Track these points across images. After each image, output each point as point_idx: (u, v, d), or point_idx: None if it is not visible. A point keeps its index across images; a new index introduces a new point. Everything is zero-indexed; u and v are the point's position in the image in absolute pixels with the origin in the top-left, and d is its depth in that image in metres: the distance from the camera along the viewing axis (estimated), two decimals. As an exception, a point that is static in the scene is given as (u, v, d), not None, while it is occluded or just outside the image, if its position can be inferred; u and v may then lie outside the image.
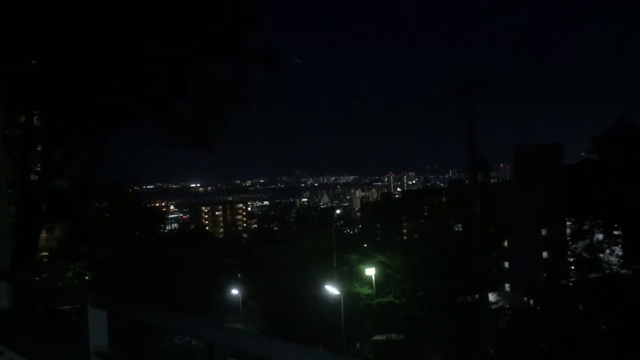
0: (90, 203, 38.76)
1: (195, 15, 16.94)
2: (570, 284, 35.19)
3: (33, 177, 19.02)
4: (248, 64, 18.65)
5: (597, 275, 32.91)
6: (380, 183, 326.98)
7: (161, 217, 72.20)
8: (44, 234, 32.08)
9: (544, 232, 59.02)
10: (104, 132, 19.42)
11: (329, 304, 32.52)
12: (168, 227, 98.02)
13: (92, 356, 3.19)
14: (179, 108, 19.53)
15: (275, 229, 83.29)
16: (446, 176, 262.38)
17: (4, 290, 4.57)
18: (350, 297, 32.38)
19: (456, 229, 50.63)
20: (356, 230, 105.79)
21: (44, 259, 37.32)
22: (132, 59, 16.86)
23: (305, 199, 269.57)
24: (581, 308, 31.89)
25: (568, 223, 44.81)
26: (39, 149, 19.78)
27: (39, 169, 19.20)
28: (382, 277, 33.46)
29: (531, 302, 38.94)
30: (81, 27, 15.86)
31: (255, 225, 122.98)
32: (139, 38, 16.58)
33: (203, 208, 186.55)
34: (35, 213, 18.57)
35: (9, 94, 16.83)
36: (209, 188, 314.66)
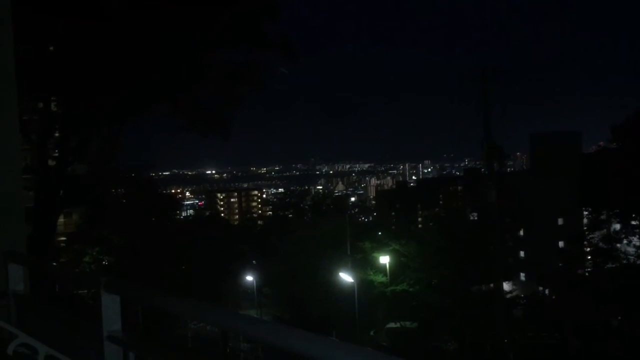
0: (108, 188, 39.10)
1: (212, 2, 16.91)
2: (587, 274, 34.91)
3: (51, 162, 19.20)
4: (264, 50, 18.64)
5: (613, 266, 32.62)
6: (395, 171, 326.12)
7: (177, 203, 72.71)
8: (61, 219, 32.47)
9: (560, 221, 58.51)
10: (122, 118, 19.54)
11: (343, 292, 32.59)
12: (184, 214, 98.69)
13: (105, 340, 3.21)
14: (195, 94, 19.59)
15: (290, 216, 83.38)
16: (462, 164, 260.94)
17: (20, 274, 4.62)
18: (364, 284, 32.41)
19: (471, 217, 50.46)
20: (371, 218, 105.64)
21: (62, 244, 37.78)
22: (150, 45, 16.89)
23: (320, 187, 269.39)
24: (597, 298, 31.65)
25: (585, 213, 44.40)
26: (57, 134, 19.96)
27: (57, 154, 19.38)
28: (396, 265, 33.42)
29: (546, 291, 38.74)
30: (98, 13, 15.89)
31: (270, 212, 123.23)
32: (156, 24, 16.59)
33: (218, 195, 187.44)
34: (53, 198, 18.77)
35: (27, 79, 16.96)
36: (224, 175, 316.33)
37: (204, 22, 16.92)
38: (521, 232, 52.48)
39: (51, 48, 18.09)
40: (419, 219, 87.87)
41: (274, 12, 18.08)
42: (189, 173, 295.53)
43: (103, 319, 3.25)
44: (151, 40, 16.77)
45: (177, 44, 17.04)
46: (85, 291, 23.52)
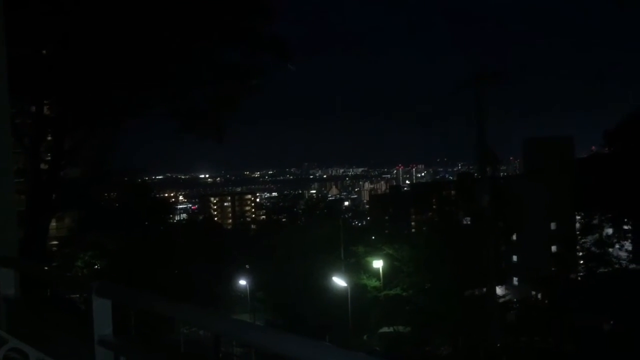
0: (101, 192, 38.97)
1: (208, 3, 16.91)
2: (579, 278, 35.06)
3: (44, 166, 19.12)
4: (261, 53, 18.65)
5: (606, 270, 32.78)
6: (389, 175, 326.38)
7: (170, 207, 72.48)
8: (54, 223, 32.31)
9: (553, 225, 58.69)
10: (116, 121, 19.49)
11: (337, 296, 32.56)
12: (177, 218, 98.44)
13: (96, 345, 3.19)
14: (191, 97, 19.56)
15: (283, 220, 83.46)
16: (455, 169, 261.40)
17: (11, 278, 4.58)
18: (357, 289, 32.40)
19: (465, 222, 50.48)
20: (364, 223, 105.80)
21: (54, 248, 37.61)
22: (145, 47, 16.86)
23: (314, 191, 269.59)
24: (590, 302, 31.78)
25: (578, 217, 44.60)
26: (50, 138, 19.88)
27: (50, 158, 19.31)
28: (389, 269, 33.45)
29: (539, 295, 38.84)
30: (94, 15, 15.86)
31: (264, 217, 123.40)
32: (151, 26, 16.57)
33: (212, 199, 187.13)
34: (46, 202, 18.68)
35: (21, 82, 16.90)
36: (218, 179, 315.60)
37: (198, 24, 16.91)
38: (514, 237, 52.52)
39: (44, 51, 18.03)
40: (413, 224, 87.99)
41: (269, 14, 18.09)
42: (183, 177, 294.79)
43: (94, 324, 3.23)
44: (146, 44, 16.74)
45: (172, 46, 17.02)
46: (78, 295, 23.39)
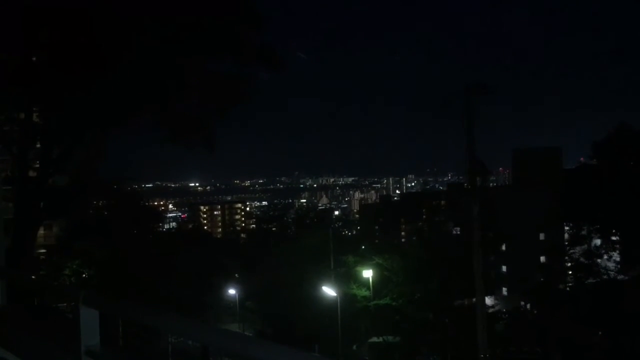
0: (89, 200, 38.67)
1: (195, 12, 16.90)
2: (568, 288, 35.16)
3: (32, 173, 18.98)
4: (249, 62, 18.60)
5: (594, 281, 32.89)
6: (379, 185, 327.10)
7: (160, 215, 72.02)
8: (41, 231, 32.01)
9: (542, 236, 58.98)
10: (104, 128, 19.38)
11: (326, 306, 32.47)
12: (166, 226, 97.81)
13: (84, 355, 3.17)
14: (179, 106, 19.47)
15: (273, 229, 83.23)
16: (445, 179, 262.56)
17: (-2, 287, 4.55)
18: (347, 298, 32.34)
19: (454, 232, 50.57)
20: (354, 232, 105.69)
21: (42, 256, 37.25)
22: (132, 56, 16.82)
23: (304, 200, 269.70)
24: (578, 313, 31.89)
25: (566, 228, 44.80)
26: (38, 145, 19.74)
27: (38, 165, 19.17)
28: (379, 279, 33.41)
29: (528, 306, 38.92)
30: (79, 23, 15.84)
31: (254, 226, 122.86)
32: (138, 35, 16.54)
33: (202, 207, 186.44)
34: (33, 209, 18.53)
35: (9, 90, 16.83)
36: (208, 187, 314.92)
37: (186, 33, 16.89)
38: (503, 247, 52.74)
39: (34, 58, 17.96)
40: (403, 233, 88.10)
41: (257, 22, 18.07)
42: (172, 185, 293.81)
43: (81, 334, 3.20)
44: (133, 53, 16.71)
45: (159, 56, 16.98)
46: (65, 304, 23.16)
